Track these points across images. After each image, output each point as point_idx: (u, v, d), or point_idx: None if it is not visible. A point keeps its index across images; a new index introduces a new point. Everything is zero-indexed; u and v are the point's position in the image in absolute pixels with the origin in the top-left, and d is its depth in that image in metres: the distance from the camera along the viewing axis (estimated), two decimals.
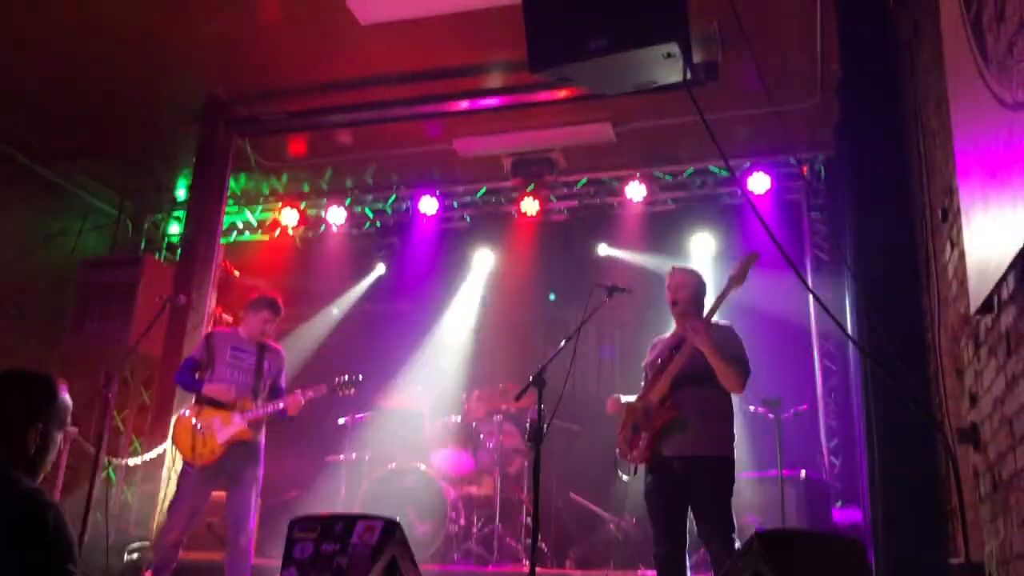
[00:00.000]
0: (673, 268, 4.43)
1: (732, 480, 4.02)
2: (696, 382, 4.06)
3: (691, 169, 7.98)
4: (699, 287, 4.35)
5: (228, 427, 4.94)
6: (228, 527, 4.94)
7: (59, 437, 2.33)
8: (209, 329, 6.71)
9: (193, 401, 5.15)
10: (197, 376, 5.13)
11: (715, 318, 4.26)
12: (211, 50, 6.43)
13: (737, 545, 3.79)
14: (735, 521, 3.96)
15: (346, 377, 5.25)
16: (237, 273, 8.90)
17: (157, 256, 8.70)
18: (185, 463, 5.00)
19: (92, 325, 7.56)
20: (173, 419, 5.17)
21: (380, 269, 9.10)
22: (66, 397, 2.36)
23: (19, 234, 7.73)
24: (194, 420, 4.98)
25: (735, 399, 4.16)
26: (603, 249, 8.27)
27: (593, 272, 7.89)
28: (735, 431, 4.15)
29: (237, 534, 4.86)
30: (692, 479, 3.96)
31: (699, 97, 3.36)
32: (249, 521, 4.88)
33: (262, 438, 5.12)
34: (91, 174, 8.39)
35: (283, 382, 5.32)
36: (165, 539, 4.81)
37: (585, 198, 8.31)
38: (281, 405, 5.05)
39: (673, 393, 4.08)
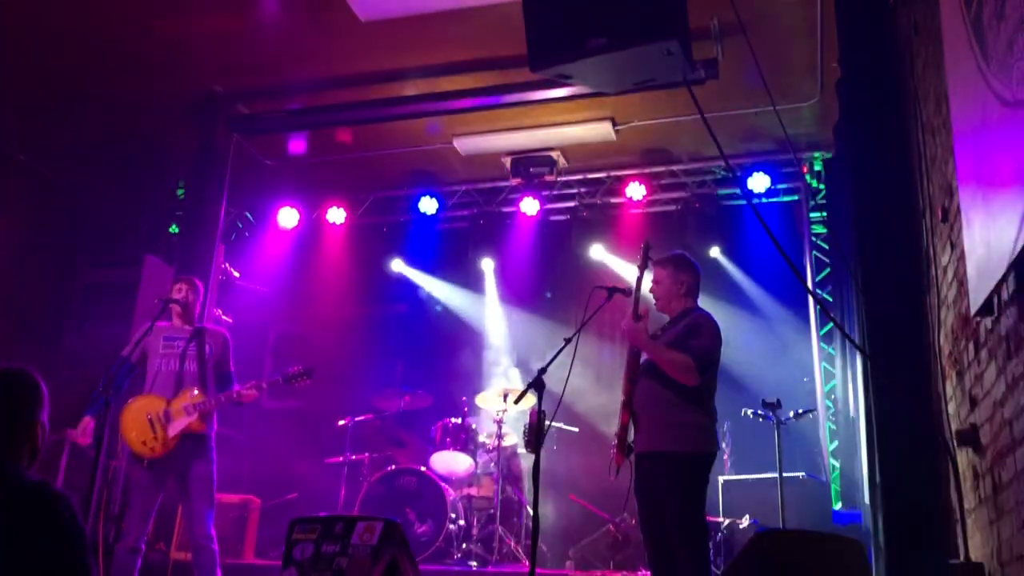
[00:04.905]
0: (653, 265, 4.34)
1: (695, 477, 3.89)
2: (649, 378, 4.03)
3: (691, 168, 7.99)
4: (672, 279, 4.24)
5: (180, 419, 4.72)
6: (188, 529, 4.71)
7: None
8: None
9: (141, 392, 4.90)
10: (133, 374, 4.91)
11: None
12: (210, 48, 6.42)
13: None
14: (704, 524, 3.88)
15: (299, 368, 4.99)
16: (237, 273, 8.89)
17: (157, 256, 8.68)
18: (134, 459, 4.74)
19: (92, 325, 7.54)
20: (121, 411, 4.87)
21: (379, 269, 9.06)
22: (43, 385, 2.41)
23: (19, 234, 7.72)
24: (146, 412, 4.74)
25: (730, 398, 4.12)
26: (598, 252, 8.25)
27: (592, 272, 7.90)
28: (724, 428, 4.11)
29: (197, 536, 4.64)
30: (655, 476, 3.93)
31: (699, 95, 3.35)
32: (208, 521, 4.66)
33: (213, 431, 4.88)
34: (91, 174, 8.38)
35: (231, 366, 5.06)
36: (122, 544, 4.58)
37: (585, 198, 8.30)
38: (235, 396, 4.82)
39: (632, 390, 4.07)
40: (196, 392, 4.82)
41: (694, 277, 4.30)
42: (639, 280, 4.23)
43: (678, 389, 3.95)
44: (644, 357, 4.14)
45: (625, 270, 7.87)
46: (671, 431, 3.93)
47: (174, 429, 4.72)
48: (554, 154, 7.72)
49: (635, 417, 4.06)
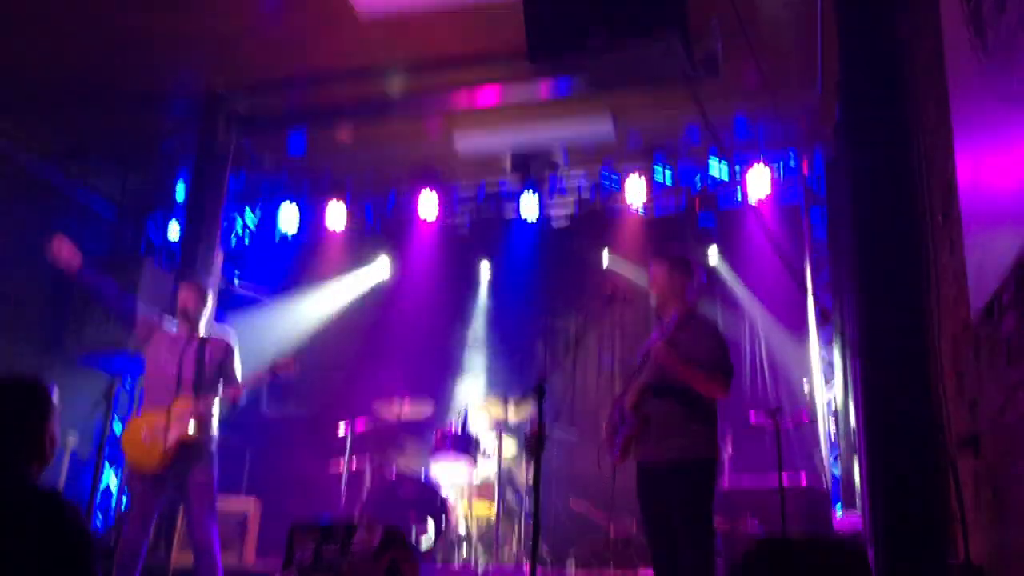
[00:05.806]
0: (650, 260, 4.31)
1: (706, 485, 3.87)
2: (665, 389, 3.96)
3: (691, 168, 7.96)
4: (669, 278, 4.17)
5: (173, 429, 4.65)
6: (189, 534, 4.69)
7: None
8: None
9: (141, 407, 4.90)
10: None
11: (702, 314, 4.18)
12: (210, 46, 6.42)
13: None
14: (712, 530, 3.84)
15: (283, 359, 4.96)
16: (237, 274, 8.88)
17: (156, 258, 8.67)
18: (134, 472, 4.73)
19: (92, 328, 7.53)
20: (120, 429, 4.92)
21: (380, 271, 9.01)
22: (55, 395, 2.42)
23: (18, 235, 7.71)
24: (141, 428, 4.72)
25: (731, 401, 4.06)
26: (604, 257, 8.20)
27: (594, 275, 7.87)
28: (725, 435, 4.06)
29: (198, 541, 4.61)
30: (663, 484, 3.89)
31: (699, 95, 3.34)
32: (209, 526, 4.63)
33: (212, 438, 4.84)
34: (91, 174, 8.37)
35: (236, 371, 5.01)
36: (121, 551, 4.57)
37: (584, 195, 8.27)
38: (222, 396, 4.81)
39: (643, 400, 3.99)
40: (186, 400, 4.77)
41: (692, 279, 4.22)
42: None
43: (694, 398, 3.92)
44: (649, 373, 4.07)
45: (625, 270, 7.84)
46: (683, 439, 3.89)
47: (169, 441, 4.66)
48: (554, 153, 7.70)
49: (644, 425, 4.00)
